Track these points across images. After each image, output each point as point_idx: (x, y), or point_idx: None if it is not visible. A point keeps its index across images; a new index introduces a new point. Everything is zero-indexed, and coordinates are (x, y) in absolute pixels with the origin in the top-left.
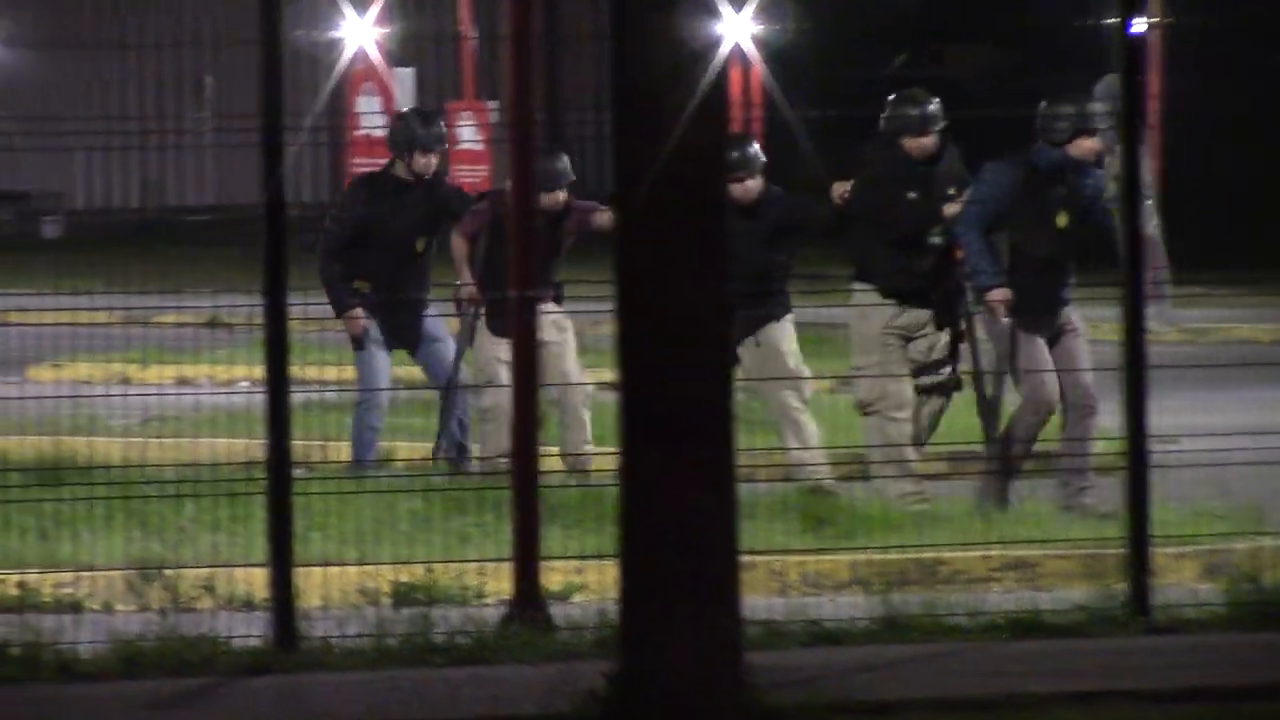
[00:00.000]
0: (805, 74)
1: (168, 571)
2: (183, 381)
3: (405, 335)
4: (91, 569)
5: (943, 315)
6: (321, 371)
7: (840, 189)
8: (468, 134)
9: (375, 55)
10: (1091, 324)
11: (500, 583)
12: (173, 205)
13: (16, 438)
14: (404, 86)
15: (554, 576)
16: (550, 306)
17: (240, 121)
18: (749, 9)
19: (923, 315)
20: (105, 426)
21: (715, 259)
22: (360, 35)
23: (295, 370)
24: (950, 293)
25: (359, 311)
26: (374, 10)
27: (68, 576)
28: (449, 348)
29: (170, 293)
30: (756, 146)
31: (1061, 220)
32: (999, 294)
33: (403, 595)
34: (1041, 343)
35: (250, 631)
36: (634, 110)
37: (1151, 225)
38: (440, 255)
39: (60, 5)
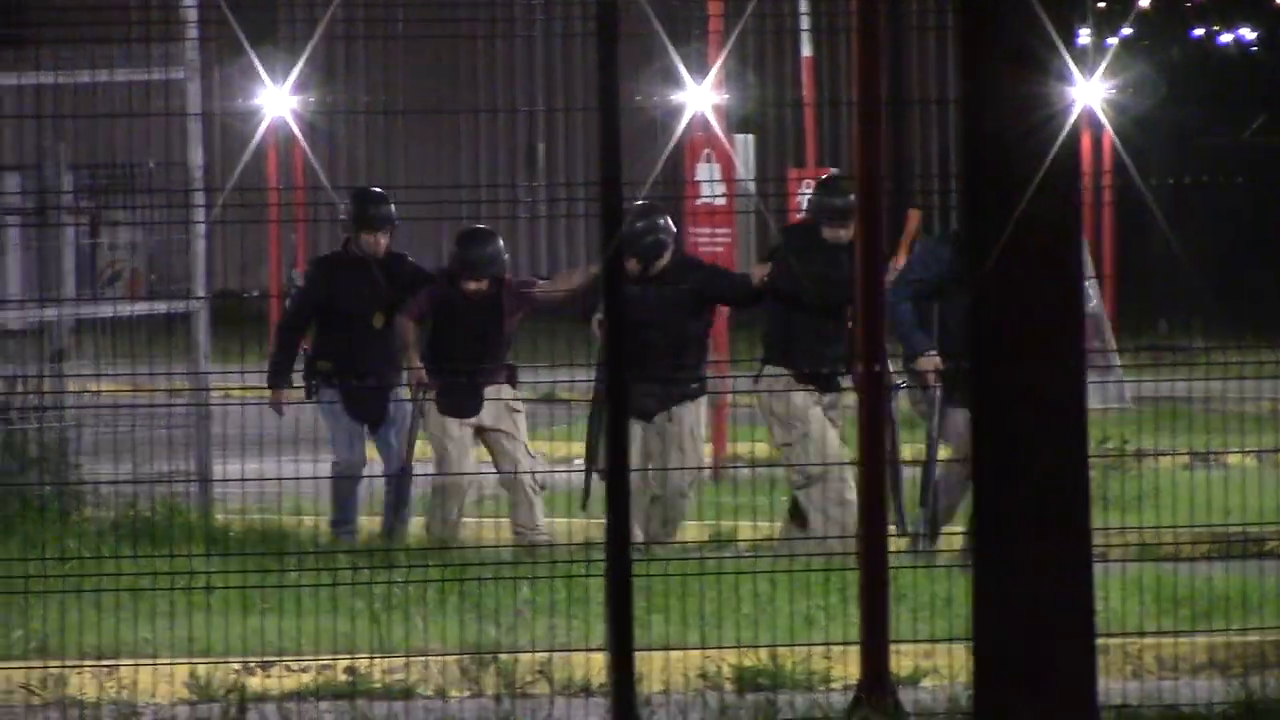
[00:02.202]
0: (1156, 139)
1: (503, 656)
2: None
3: (367, 412)
4: (424, 654)
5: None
6: None
7: (760, 271)
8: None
9: (714, 122)
10: None
11: (847, 667)
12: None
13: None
14: (743, 153)
15: (902, 660)
16: (505, 390)
17: (575, 190)
18: (1099, 72)
19: (840, 398)
20: None
21: (1072, 332)
22: (697, 102)
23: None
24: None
25: (284, 395)
26: (711, 77)
27: (399, 661)
28: (402, 428)
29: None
30: (667, 218)
31: None
32: (928, 361)
33: (746, 680)
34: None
35: (588, 718)
36: (984, 177)
37: (1093, 303)
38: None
39: (387, 75)
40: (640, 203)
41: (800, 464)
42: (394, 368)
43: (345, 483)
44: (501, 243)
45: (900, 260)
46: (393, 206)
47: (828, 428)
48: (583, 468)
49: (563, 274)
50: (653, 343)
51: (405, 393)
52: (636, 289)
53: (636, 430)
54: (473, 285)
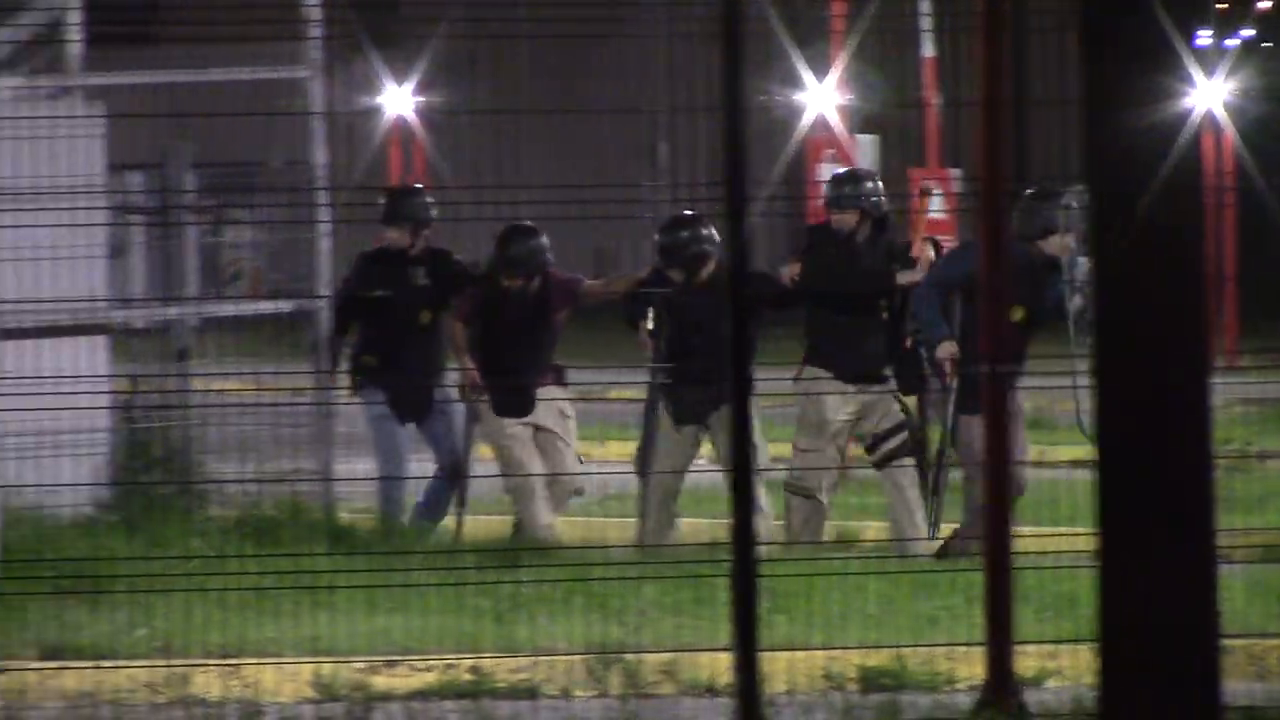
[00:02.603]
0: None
1: (627, 656)
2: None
3: (411, 410)
4: (549, 653)
5: (898, 385)
6: (775, 449)
7: (790, 270)
8: (933, 203)
9: (836, 122)
10: None
11: (971, 668)
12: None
13: (471, 517)
14: (865, 153)
15: (1027, 661)
16: (554, 391)
17: (698, 191)
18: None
19: (873, 400)
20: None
21: (1196, 333)
22: (820, 101)
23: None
24: (904, 362)
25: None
26: (834, 76)
27: (523, 661)
28: (455, 426)
29: (627, 367)
30: (711, 228)
31: (1016, 314)
32: (946, 348)
33: (870, 680)
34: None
35: (714, 718)
36: (1106, 177)
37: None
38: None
39: (509, 75)
40: (685, 211)
41: (801, 468)
42: (438, 365)
43: (391, 494)
44: (545, 239)
45: (917, 251)
46: (425, 203)
47: (843, 449)
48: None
49: (610, 277)
50: (701, 348)
51: (453, 393)
52: (685, 296)
53: (691, 433)
54: (508, 282)
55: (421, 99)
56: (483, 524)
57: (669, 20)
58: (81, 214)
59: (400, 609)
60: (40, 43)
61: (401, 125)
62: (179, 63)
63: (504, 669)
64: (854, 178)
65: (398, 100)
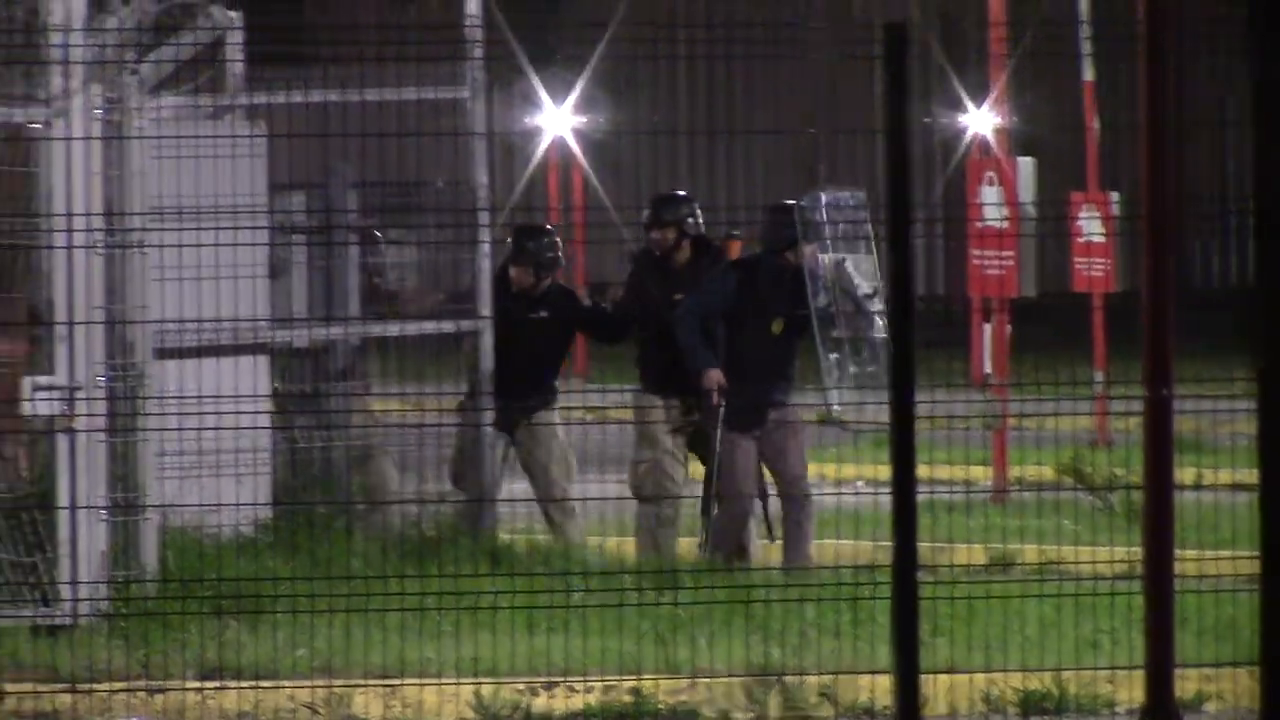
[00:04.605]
0: None
1: (787, 678)
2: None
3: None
4: (710, 675)
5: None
6: (933, 470)
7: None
8: (1091, 226)
9: (995, 144)
10: None
11: (1131, 691)
12: None
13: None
14: (1025, 176)
15: (1187, 684)
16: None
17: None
18: None
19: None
20: None
21: None
22: (979, 124)
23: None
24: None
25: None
26: (992, 98)
27: (683, 682)
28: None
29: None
30: (557, 238)
31: (776, 326)
32: (712, 376)
33: (1030, 704)
34: (747, 445)
35: None
36: (1276, 198)
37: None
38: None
39: (667, 96)
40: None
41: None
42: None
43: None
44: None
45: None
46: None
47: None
48: (859, 490)
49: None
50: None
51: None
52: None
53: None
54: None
55: (581, 120)
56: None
57: (829, 42)
58: (243, 234)
59: (560, 629)
60: (201, 62)
61: (560, 146)
62: (339, 83)
63: (663, 690)
64: (673, 199)
65: (557, 121)
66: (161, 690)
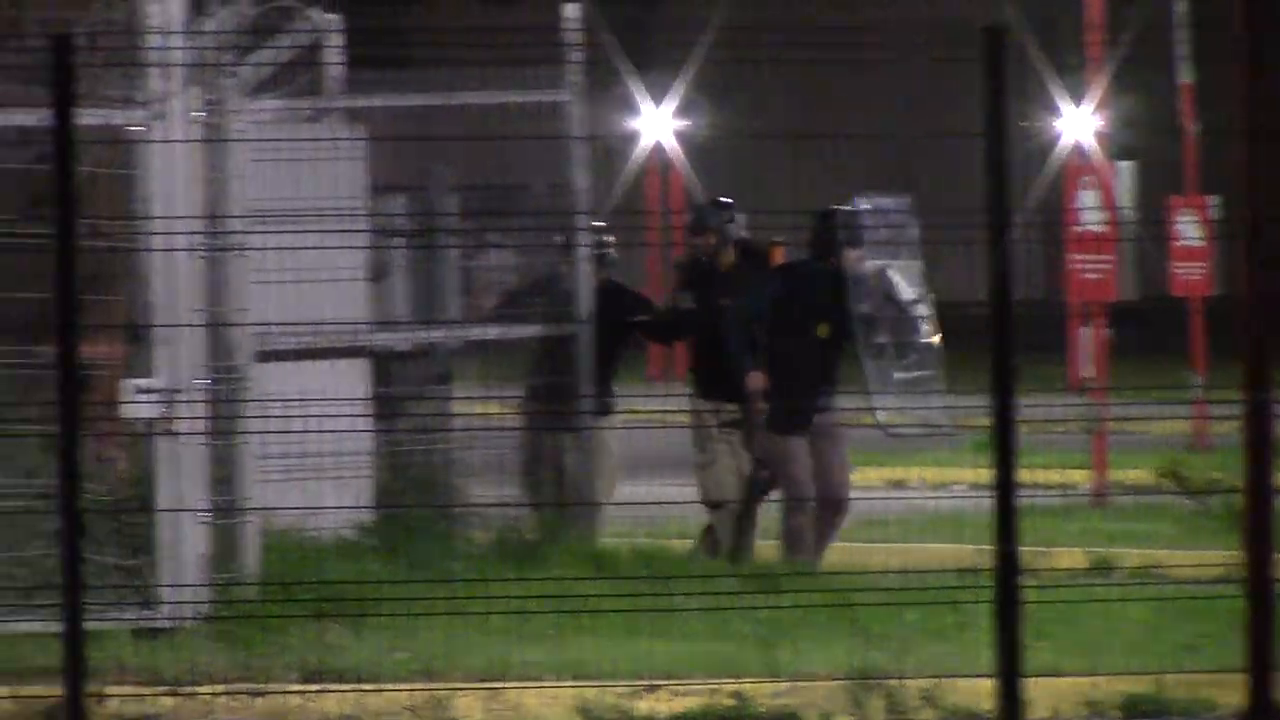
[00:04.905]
0: None
1: (889, 681)
2: (896, 484)
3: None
4: (812, 678)
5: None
6: (1033, 475)
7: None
8: (1189, 230)
9: (1093, 149)
10: None
11: (1232, 694)
12: None
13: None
14: (1123, 180)
15: None
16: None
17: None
18: None
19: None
20: None
21: None
22: (1077, 128)
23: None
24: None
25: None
26: (1091, 102)
27: (785, 686)
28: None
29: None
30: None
31: (822, 331)
32: (755, 379)
33: (1132, 707)
34: (798, 445)
35: None
36: None
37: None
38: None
39: (764, 99)
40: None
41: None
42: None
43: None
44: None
45: None
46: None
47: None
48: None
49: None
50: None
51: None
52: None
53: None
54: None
55: (680, 123)
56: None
57: (925, 46)
58: (343, 236)
59: (662, 633)
60: (300, 64)
61: (659, 149)
62: (438, 85)
63: (765, 694)
64: (715, 206)
65: (655, 124)
66: (262, 693)
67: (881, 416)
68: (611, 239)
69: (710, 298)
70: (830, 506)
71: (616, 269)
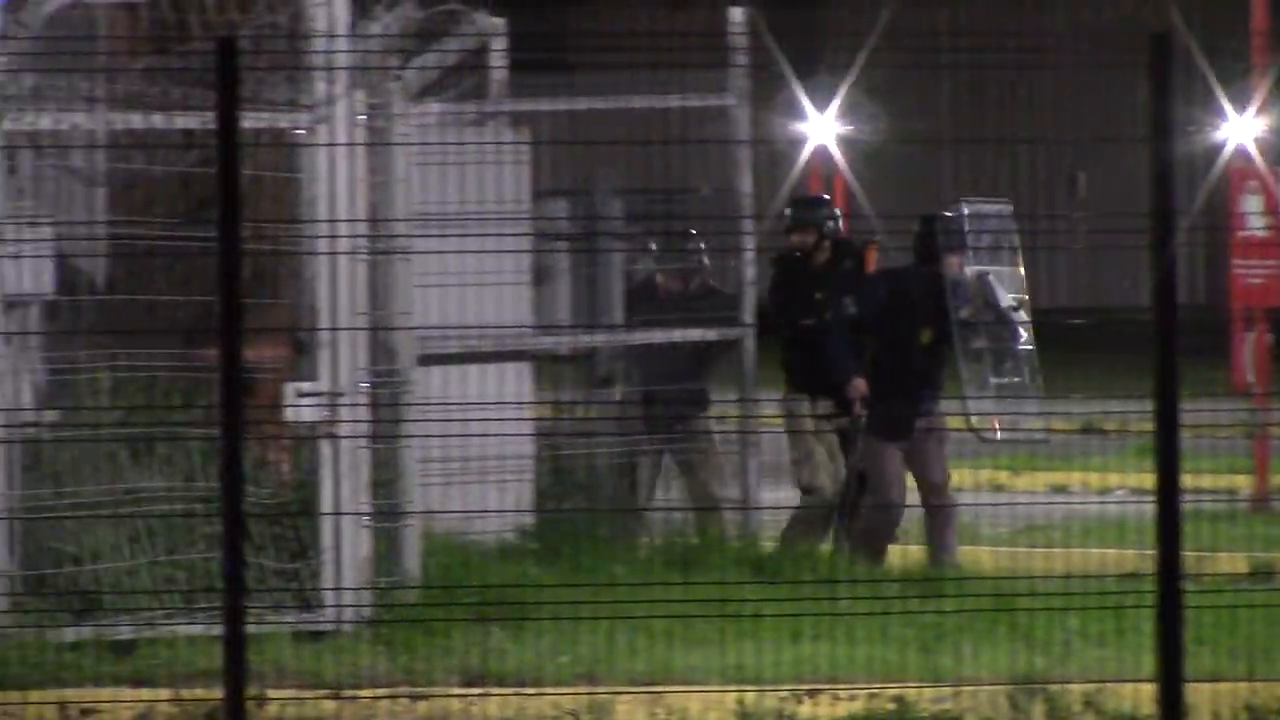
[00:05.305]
0: None
1: (1051, 686)
2: (1057, 489)
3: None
4: (974, 683)
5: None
6: (1195, 479)
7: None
8: None
9: (1256, 154)
10: None
11: None
12: (1044, 307)
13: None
14: None
15: None
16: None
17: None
18: None
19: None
20: (980, 535)
21: None
22: (1240, 133)
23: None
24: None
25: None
26: (1254, 106)
27: (947, 690)
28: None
29: (1054, 398)
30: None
31: (925, 336)
32: (858, 386)
33: None
34: (894, 451)
35: None
36: None
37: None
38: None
39: (929, 103)
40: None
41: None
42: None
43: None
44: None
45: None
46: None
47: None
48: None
49: None
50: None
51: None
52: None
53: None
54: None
55: (844, 128)
56: (912, 552)
57: (1091, 50)
58: (507, 240)
59: (824, 637)
60: (465, 68)
61: (822, 154)
62: (602, 89)
63: (926, 698)
64: (813, 202)
65: (820, 129)
66: (423, 697)
67: (975, 421)
68: (703, 245)
69: (806, 293)
70: (935, 511)
71: (709, 273)
